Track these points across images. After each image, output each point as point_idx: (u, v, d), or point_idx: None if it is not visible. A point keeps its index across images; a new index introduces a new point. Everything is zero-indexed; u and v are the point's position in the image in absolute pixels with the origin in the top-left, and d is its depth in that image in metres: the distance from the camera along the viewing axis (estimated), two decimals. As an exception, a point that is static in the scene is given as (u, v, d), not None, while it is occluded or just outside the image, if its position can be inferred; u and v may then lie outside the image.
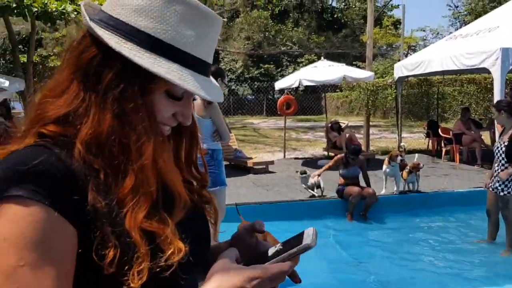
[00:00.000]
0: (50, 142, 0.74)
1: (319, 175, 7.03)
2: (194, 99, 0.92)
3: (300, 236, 0.77)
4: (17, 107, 15.56)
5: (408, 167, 6.96)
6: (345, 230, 6.16)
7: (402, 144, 10.98)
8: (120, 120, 0.75)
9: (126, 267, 0.69)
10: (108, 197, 0.73)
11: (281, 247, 0.78)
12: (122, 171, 0.75)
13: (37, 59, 19.46)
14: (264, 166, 9.97)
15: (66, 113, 0.76)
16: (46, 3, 7.79)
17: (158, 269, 0.71)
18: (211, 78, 0.87)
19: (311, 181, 7.19)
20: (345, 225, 6.32)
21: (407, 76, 11.49)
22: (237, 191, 7.45)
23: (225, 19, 28.46)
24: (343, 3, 32.21)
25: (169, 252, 0.72)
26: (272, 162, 10.31)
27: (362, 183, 6.67)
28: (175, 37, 0.76)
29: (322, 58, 11.68)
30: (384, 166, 7.05)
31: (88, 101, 0.76)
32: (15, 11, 7.48)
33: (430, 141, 12.12)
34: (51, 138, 0.74)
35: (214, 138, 4.22)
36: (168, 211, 0.78)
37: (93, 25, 0.76)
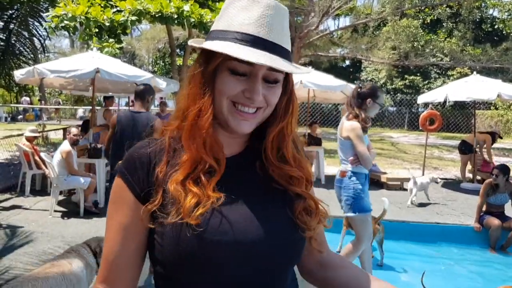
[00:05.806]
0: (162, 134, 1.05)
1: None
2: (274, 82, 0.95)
3: None
4: (170, 105, 17.09)
5: None
6: (483, 261, 5.56)
7: None
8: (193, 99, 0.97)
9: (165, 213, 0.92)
10: (171, 169, 0.97)
11: None
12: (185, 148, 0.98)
13: (191, 62, 21.21)
14: (399, 183, 9.53)
15: None
16: (202, 15, 8.63)
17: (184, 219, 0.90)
18: (281, 59, 0.91)
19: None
20: (485, 256, 5.72)
21: None
22: (367, 205, 7.24)
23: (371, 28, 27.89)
24: (506, 13, 29.18)
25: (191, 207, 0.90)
26: (408, 180, 9.78)
27: (509, 212, 6.01)
28: (230, 23, 0.93)
29: (474, 73, 10.74)
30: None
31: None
32: (176, 21, 8.31)
33: None
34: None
35: (351, 162, 3.89)
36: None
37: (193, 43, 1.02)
